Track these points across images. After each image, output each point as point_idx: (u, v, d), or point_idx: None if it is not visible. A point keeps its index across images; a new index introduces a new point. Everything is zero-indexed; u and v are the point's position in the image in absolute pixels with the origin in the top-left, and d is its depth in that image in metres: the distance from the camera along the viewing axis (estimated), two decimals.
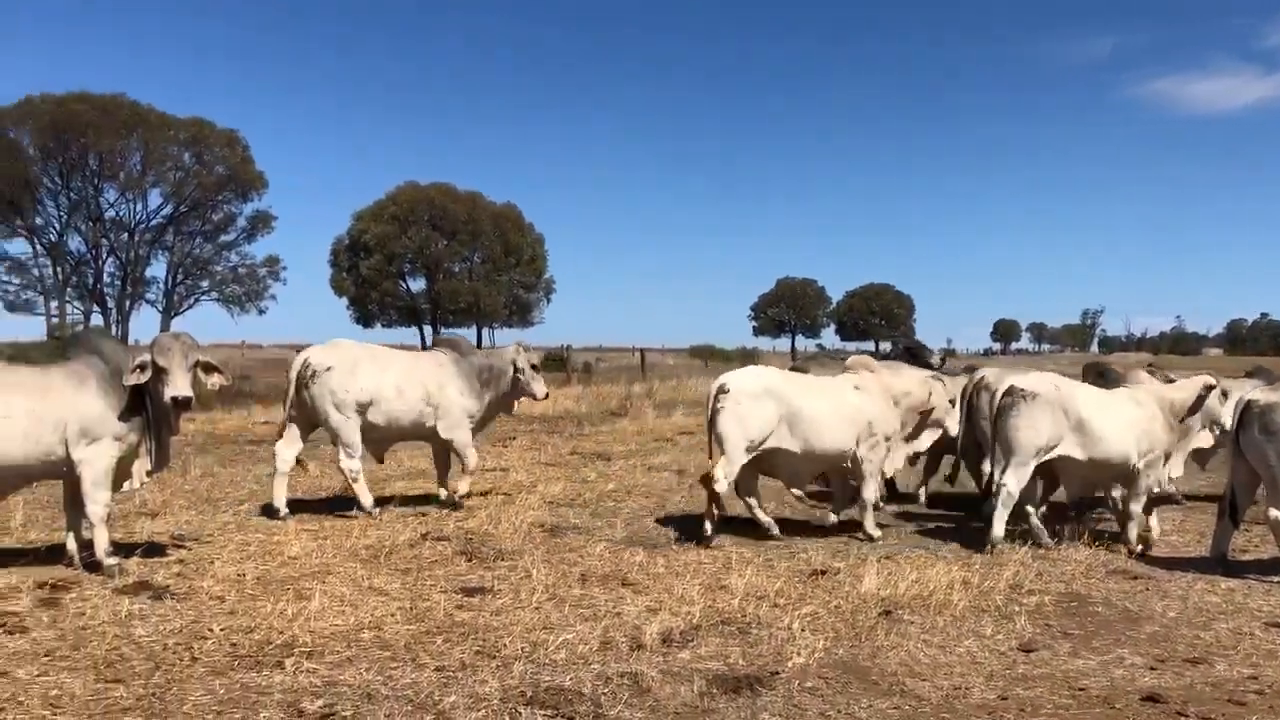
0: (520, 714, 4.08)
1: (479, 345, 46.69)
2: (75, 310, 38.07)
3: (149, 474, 6.56)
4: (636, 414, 18.52)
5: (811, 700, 4.35)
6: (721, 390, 7.53)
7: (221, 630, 5.05)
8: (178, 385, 6.21)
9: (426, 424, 8.55)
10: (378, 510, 8.29)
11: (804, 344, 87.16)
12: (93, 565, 6.21)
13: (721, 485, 7.36)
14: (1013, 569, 6.58)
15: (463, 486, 8.80)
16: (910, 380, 8.14)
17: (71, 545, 6.44)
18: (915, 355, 10.70)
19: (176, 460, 7.70)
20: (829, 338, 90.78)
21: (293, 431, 8.37)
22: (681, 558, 6.94)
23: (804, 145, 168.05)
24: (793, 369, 9.95)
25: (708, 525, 7.44)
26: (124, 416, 6.24)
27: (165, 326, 37.36)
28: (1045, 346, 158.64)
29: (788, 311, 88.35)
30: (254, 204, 39.80)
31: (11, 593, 5.68)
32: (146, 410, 6.33)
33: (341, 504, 8.59)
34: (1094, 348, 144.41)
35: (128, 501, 8.36)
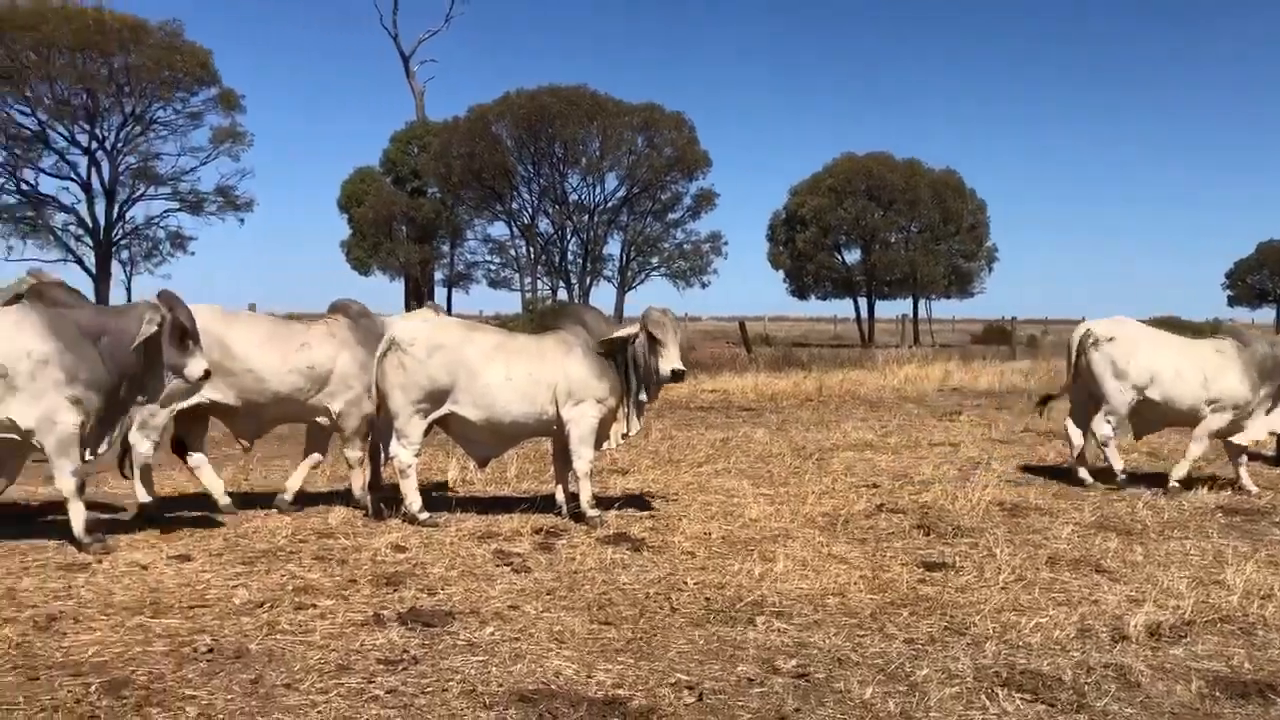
0: (996, 695, 3.94)
1: (915, 318, 45.83)
2: (544, 286, 42.03)
3: (624, 436, 7.10)
4: None
5: None
6: None
7: (695, 584, 5.34)
8: (674, 359, 6.71)
9: (1199, 412, 8.45)
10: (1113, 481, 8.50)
11: None
12: (578, 515, 6.83)
13: None
14: None
15: (1245, 479, 8.50)
16: None
17: (560, 496, 7.11)
18: None
19: None
20: None
21: (1078, 399, 8.95)
22: (1162, 547, 6.37)
23: None
24: None
25: None
26: (606, 382, 6.79)
27: (621, 301, 40.26)
28: None
29: (1271, 279, 78.20)
30: (698, 183, 41.61)
31: (515, 536, 6.38)
32: (628, 377, 6.84)
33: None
34: None
35: (602, 459, 9.08)
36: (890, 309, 49.29)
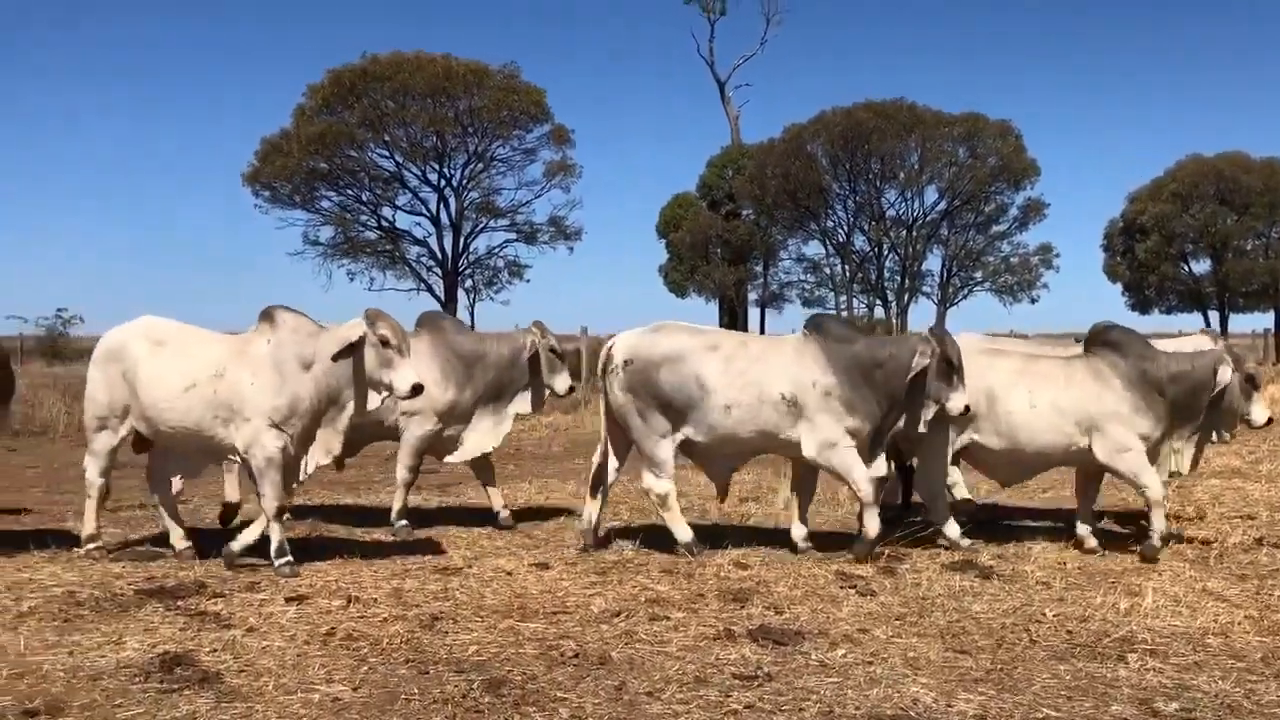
0: None
1: (1277, 332, 41.33)
2: (860, 304, 41.56)
3: (1172, 474, 6.74)
4: None
5: None
6: None
7: (1054, 616, 5.06)
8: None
9: None
10: None
11: None
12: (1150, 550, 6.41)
13: None
14: None
15: None
16: None
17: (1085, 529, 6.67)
18: None
19: None
20: None
21: None
22: None
23: None
24: None
25: None
26: (1145, 416, 6.40)
27: (941, 318, 39.07)
28: None
29: None
30: (1026, 193, 39.85)
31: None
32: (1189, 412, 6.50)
33: None
34: None
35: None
36: (1245, 323, 44.74)
